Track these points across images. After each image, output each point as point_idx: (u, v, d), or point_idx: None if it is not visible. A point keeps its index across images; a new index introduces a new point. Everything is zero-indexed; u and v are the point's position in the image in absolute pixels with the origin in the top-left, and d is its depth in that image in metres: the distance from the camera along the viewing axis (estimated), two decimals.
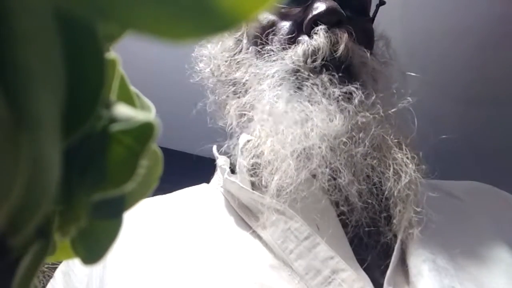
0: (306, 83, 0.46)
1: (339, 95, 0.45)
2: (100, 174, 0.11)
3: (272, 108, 0.46)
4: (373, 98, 0.46)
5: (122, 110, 0.11)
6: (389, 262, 0.41)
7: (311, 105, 0.45)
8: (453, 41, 1.13)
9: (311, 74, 0.46)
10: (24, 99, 0.09)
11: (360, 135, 0.44)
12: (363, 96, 0.45)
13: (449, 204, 0.51)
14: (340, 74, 0.46)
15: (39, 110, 0.09)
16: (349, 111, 0.44)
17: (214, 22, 0.09)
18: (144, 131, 0.11)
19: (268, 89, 0.47)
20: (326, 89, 0.45)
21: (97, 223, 0.13)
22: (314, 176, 0.43)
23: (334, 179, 0.43)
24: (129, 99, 0.14)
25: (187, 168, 1.23)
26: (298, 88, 0.46)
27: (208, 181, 0.56)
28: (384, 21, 0.57)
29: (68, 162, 0.11)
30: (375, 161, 0.44)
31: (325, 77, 0.46)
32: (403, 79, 0.53)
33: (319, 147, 0.43)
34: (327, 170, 0.42)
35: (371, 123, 0.44)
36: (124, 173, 0.11)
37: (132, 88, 0.14)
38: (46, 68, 0.09)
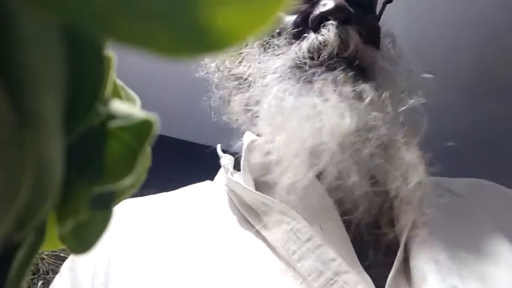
0: (317, 78, 0.45)
1: (351, 93, 0.44)
2: (98, 169, 0.11)
3: (280, 103, 0.45)
4: (383, 96, 0.45)
5: (119, 106, 0.12)
6: (392, 263, 0.40)
7: (321, 100, 0.44)
8: (457, 36, 1.12)
9: (324, 68, 0.45)
10: (28, 99, 0.09)
11: (369, 135, 0.43)
12: (374, 96, 0.44)
13: (451, 202, 0.50)
14: (353, 72, 0.45)
15: (42, 109, 0.09)
16: (359, 110, 0.43)
17: (210, 42, 0.09)
18: (143, 128, 0.11)
19: (274, 83, 0.46)
20: (337, 85, 0.44)
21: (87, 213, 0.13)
22: (318, 177, 0.43)
23: (339, 179, 0.42)
24: (114, 91, 0.14)
25: (197, 159, 1.23)
26: (308, 81, 0.45)
27: (213, 176, 0.56)
28: (389, 18, 0.56)
29: (66, 157, 0.11)
30: (381, 161, 0.43)
31: (338, 73, 0.44)
32: (410, 76, 0.52)
33: (329, 145, 0.42)
34: (334, 169, 0.42)
35: (380, 123, 0.44)
36: (122, 168, 0.11)
37: (118, 81, 0.14)
38: (49, 69, 0.09)
